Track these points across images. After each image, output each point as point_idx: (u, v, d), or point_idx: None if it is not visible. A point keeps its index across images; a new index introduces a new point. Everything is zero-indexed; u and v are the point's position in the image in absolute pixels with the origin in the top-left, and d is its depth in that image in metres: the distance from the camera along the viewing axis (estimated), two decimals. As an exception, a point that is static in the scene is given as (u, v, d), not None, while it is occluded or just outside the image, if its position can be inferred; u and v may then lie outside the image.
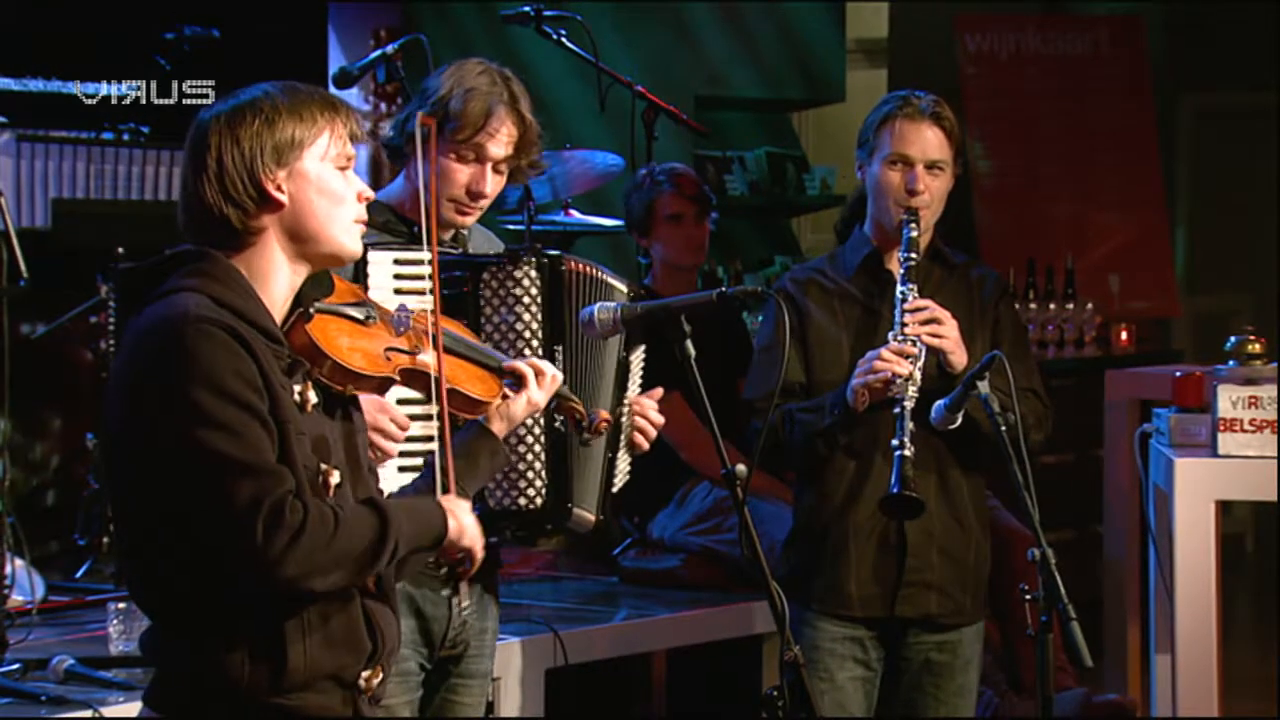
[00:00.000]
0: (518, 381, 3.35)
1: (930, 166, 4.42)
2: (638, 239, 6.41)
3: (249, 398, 2.77)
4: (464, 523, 3.06)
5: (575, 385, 3.74)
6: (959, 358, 4.34)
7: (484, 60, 3.90)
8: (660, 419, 3.94)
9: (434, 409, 3.13)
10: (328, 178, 2.95)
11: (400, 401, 3.53)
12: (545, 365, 3.38)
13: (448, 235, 3.85)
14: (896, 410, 4.23)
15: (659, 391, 3.98)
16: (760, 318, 5.00)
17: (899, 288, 4.35)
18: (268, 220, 2.91)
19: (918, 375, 4.25)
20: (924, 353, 4.28)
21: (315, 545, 2.76)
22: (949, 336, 4.33)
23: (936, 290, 4.45)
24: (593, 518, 3.84)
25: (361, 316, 3.07)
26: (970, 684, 4.53)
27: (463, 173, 3.81)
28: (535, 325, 3.76)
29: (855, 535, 4.45)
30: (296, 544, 2.74)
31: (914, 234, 4.38)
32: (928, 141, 4.43)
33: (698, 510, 6.05)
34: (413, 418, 3.55)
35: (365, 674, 2.95)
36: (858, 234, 4.58)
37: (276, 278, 2.93)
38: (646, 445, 3.96)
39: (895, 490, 4.15)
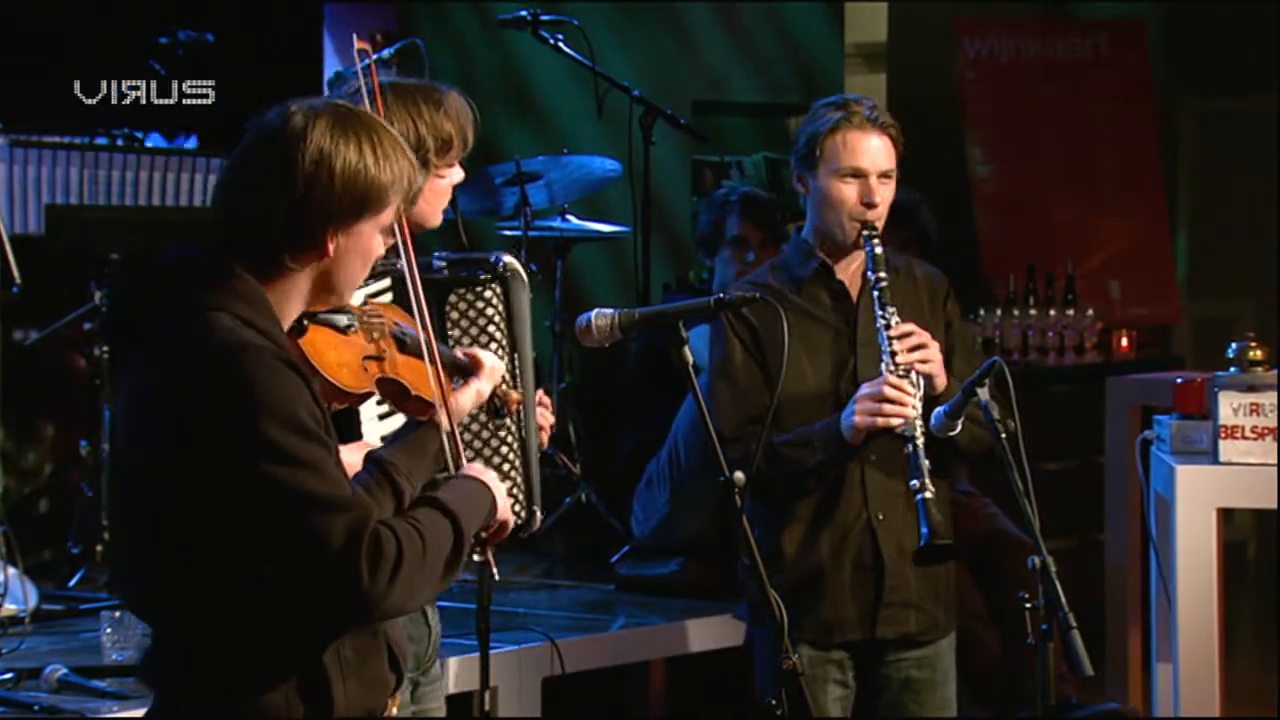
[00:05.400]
0: (463, 374, 3.27)
1: (881, 176, 4.35)
2: (703, 258, 6.45)
3: (318, 430, 2.68)
4: (498, 492, 3.00)
5: (524, 387, 3.73)
6: (942, 380, 4.29)
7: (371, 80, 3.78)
8: (552, 417, 3.89)
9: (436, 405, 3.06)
10: (373, 245, 2.83)
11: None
12: (488, 356, 3.31)
13: (383, 250, 3.79)
14: (908, 449, 4.16)
15: (541, 390, 3.93)
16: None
17: (878, 313, 4.26)
18: (308, 265, 2.79)
19: (919, 406, 4.20)
20: (920, 381, 4.23)
21: (413, 569, 2.69)
22: (935, 360, 4.28)
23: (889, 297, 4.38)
24: (540, 516, 3.81)
25: (344, 324, 3.01)
26: (950, 695, 4.51)
27: (451, 175, 3.75)
28: (501, 338, 3.73)
29: (829, 560, 4.37)
30: (398, 574, 2.67)
31: (879, 250, 4.30)
32: (878, 151, 4.34)
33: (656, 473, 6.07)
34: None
35: (387, 704, 2.91)
36: (799, 245, 4.47)
37: (291, 310, 2.83)
38: (546, 442, 3.89)
39: (925, 541, 4.10)
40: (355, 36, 3.34)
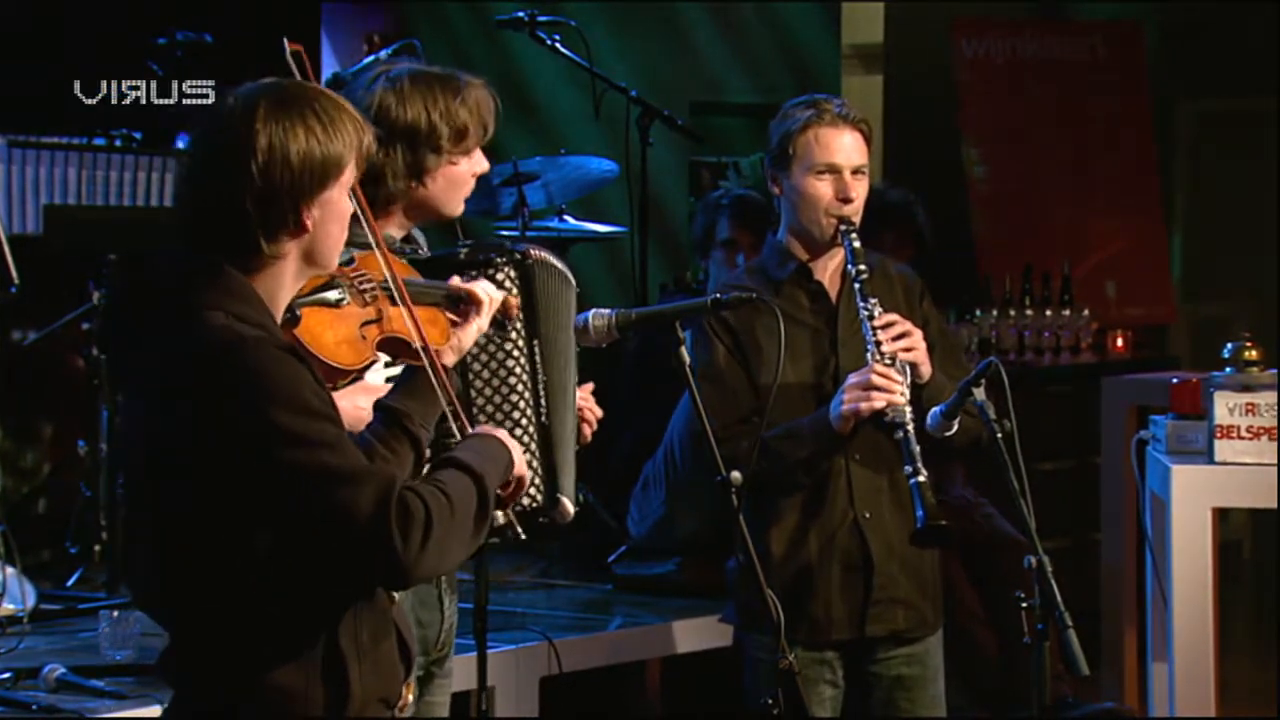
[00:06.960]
0: (464, 308, 3.27)
1: (855, 172, 4.37)
2: (698, 259, 6.46)
3: (329, 410, 2.71)
4: (513, 448, 3.01)
5: (548, 375, 3.73)
6: (927, 369, 4.31)
7: (398, 70, 3.79)
8: (599, 410, 3.90)
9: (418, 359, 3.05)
10: (344, 204, 2.84)
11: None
12: (490, 288, 3.32)
13: (400, 235, 3.80)
14: (899, 435, 4.18)
15: (590, 385, 3.94)
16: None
17: (860, 304, 4.29)
18: (290, 246, 2.80)
19: (907, 393, 4.22)
20: (907, 369, 4.25)
21: (443, 530, 2.71)
22: (919, 348, 4.30)
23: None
24: (572, 508, 3.81)
25: (335, 298, 3.01)
26: (940, 692, 4.52)
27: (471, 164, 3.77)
28: (519, 324, 3.73)
29: (817, 560, 4.39)
30: (430, 536, 2.69)
31: (857, 244, 4.33)
32: (851, 147, 4.37)
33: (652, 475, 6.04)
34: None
35: (402, 691, 2.93)
36: (775, 247, 4.48)
37: (283, 296, 2.85)
38: (589, 437, 3.92)
39: (922, 524, 4.11)
40: (287, 41, 3.34)
